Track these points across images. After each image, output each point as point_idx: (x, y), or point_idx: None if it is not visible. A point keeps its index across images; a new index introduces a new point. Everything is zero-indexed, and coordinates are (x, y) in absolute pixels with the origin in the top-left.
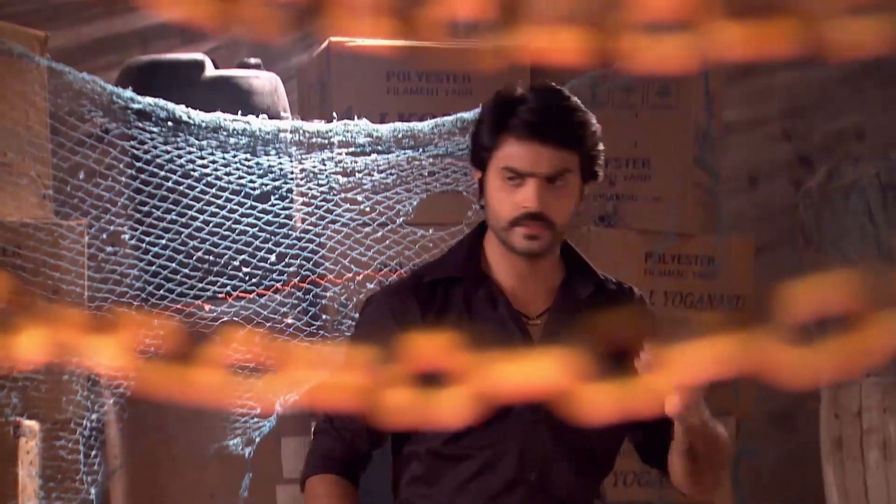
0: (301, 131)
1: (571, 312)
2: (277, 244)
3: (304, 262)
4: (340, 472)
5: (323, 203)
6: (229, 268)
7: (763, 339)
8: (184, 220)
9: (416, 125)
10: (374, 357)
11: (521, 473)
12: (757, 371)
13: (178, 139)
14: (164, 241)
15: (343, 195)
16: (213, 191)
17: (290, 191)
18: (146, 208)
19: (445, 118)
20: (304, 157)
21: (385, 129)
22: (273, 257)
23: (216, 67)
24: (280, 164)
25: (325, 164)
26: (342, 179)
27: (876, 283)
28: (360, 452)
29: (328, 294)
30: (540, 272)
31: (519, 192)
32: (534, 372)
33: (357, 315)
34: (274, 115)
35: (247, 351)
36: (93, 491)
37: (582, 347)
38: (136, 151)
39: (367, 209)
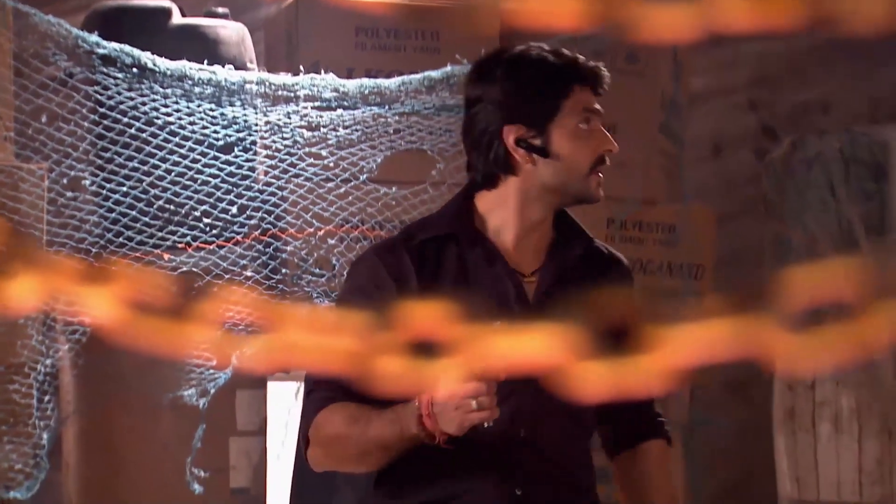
0: (267, 83)
1: (563, 271)
2: (239, 196)
3: (266, 216)
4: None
5: (287, 157)
6: (190, 218)
7: (759, 322)
8: (146, 167)
9: (383, 82)
10: (367, 321)
11: (512, 431)
12: (753, 355)
13: (143, 86)
14: (125, 189)
15: (307, 149)
16: (177, 140)
17: (253, 143)
18: (108, 154)
19: (413, 76)
20: (269, 109)
21: (352, 85)
22: (234, 209)
23: (183, 15)
24: (245, 115)
25: (290, 118)
26: (307, 133)
27: (871, 273)
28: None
29: (289, 248)
30: (537, 231)
31: (593, 136)
32: (528, 344)
33: (344, 274)
34: (240, 66)
35: (239, 309)
36: (45, 436)
37: (573, 306)
38: (99, 97)
39: (331, 164)
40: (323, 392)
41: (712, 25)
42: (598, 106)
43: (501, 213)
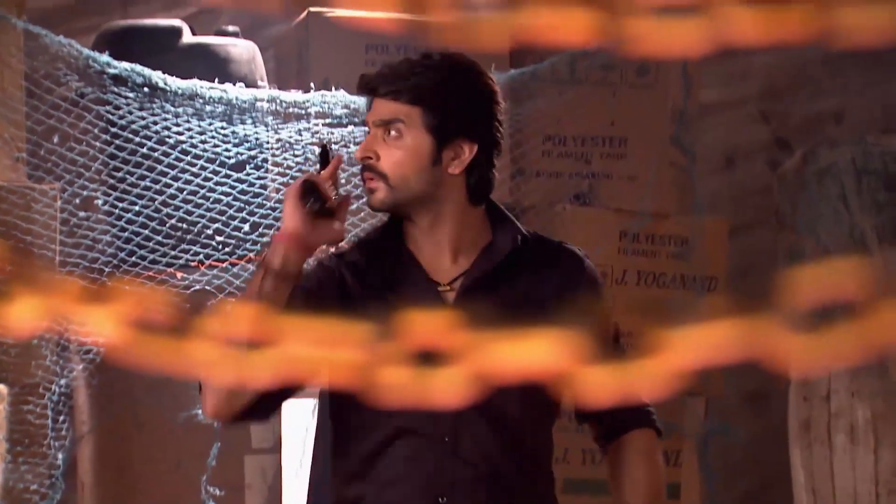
0: (278, 101)
1: (487, 273)
2: (251, 214)
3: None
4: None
5: (298, 174)
6: (202, 236)
7: (763, 324)
8: (158, 186)
9: None
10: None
11: (434, 437)
12: (756, 357)
13: (154, 105)
14: (137, 208)
15: (318, 166)
16: (188, 158)
17: (265, 160)
18: (120, 174)
19: None
20: (280, 126)
21: (362, 101)
22: (247, 227)
23: (194, 34)
24: (256, 133)
25: (301, 135)
26: (318, 150)
27: (878, 272)
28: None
29: None
30: (454, 239)
31: None
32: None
33: None
34: (251, 84)
35: (240, 324)
36: (60, 456)
37: (498, 308)
38: (111, 116)
39: (343, 181)
40: None
41: (720, 39)
42: (375, 114)
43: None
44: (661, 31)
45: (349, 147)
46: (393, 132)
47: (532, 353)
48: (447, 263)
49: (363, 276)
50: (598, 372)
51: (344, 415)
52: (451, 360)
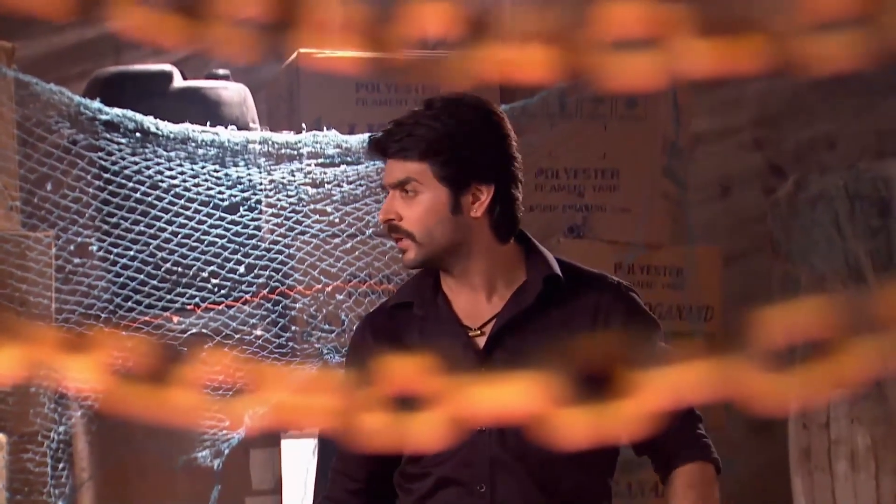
0: (270, 142)
1: (518, 316)
2: (246, 255)
3: (273, 274)
4: None
5: (292, 214)
6: (198, 279)
7: (738, 364)
8: (152, 231)
9: None
10: (348, 380)
11: (472, 485)
12: (731, 397)
13: (147, 150)
14: (132, 253)
15: (312, 206)
16: (182, 202)
17: (258, 202)
18: (114, 220)
19: None
20: (272, 168)
21: (354, 140)
22: (242, 268)
23: (185, 78)
24: (249, 175)
25: (293, 175)
26: (311, 190)
27: (851, 306)
28: (359, 492)
29: (297, 305)
30: (490, 283)
31: None
32: (495, 394)
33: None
34: (243, 126)
35: (221, 371)
36: None
37: (531, 351)
38: (103, 162)
39: (337, 220)
40: (329, 479)
41: (679, 72)
42: (390, 176)
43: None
44: (623, 65)
45: (342, 186)
46: (409, 191)
47: (507, 396)
48: (482, 305)
49: (400, 329)
50: (574, 414)
51: (399, 468)
52: (429, 405)
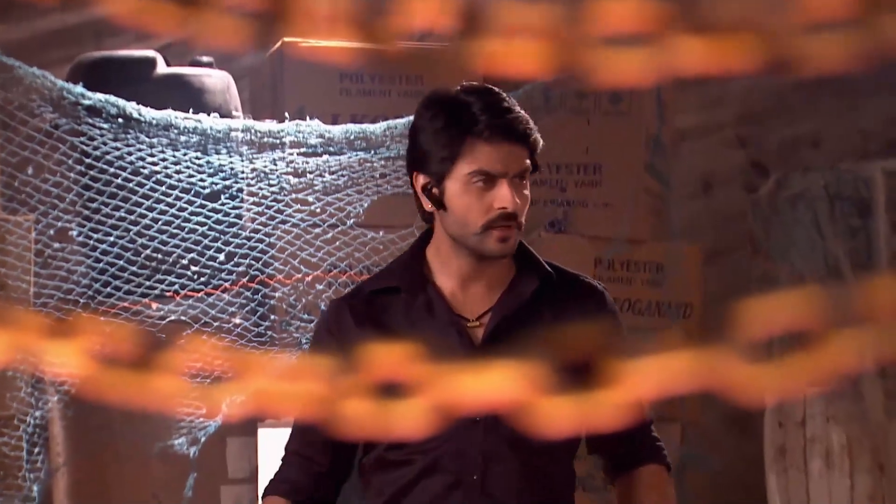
0: (252, 130)
1: (515, 310)
2: (227, 243)
3: (254, 262)
4: (294, 499)
5: (273, 203)
6: (177, 266)
7: (718, 355)
8: (132, 217)
9: (369, 127)
10: (324, 367)
11: (462, 475)
12: (712, 387)
13: (129, 136)
14: (112, 239)
15: (294, 196)
16: (163, 189)
17: (240, 190)
18: (94, 205)
19: (398, 120)
20: (255, 156)
21: (337, 131)
22: (222, 256)
23: (168, 65)
24: (231, 163)
25: (276, 164)
26: (293, 180)
27: (830, 301)
28: (322, 475)
29: (277, 294)
30: (486, 274)
31: (490, 194)
32: (484, 382)
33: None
34: (225, 114)
35: (203, 358)
36: (35, 488)
37: (527, 345)
38: (85, 147)
39: (318, 210)
40: (288, 468)
41: (671, 68)
42: (516, 164)
43: (437, 259)
44: (613, 61)
45: (324, 176)
46: (524, 180)
47: (498, 385)
48: (475, 296)
49: (384, 315)
50: (561, 403)
51: (371, 453)
52: (416, 392)
